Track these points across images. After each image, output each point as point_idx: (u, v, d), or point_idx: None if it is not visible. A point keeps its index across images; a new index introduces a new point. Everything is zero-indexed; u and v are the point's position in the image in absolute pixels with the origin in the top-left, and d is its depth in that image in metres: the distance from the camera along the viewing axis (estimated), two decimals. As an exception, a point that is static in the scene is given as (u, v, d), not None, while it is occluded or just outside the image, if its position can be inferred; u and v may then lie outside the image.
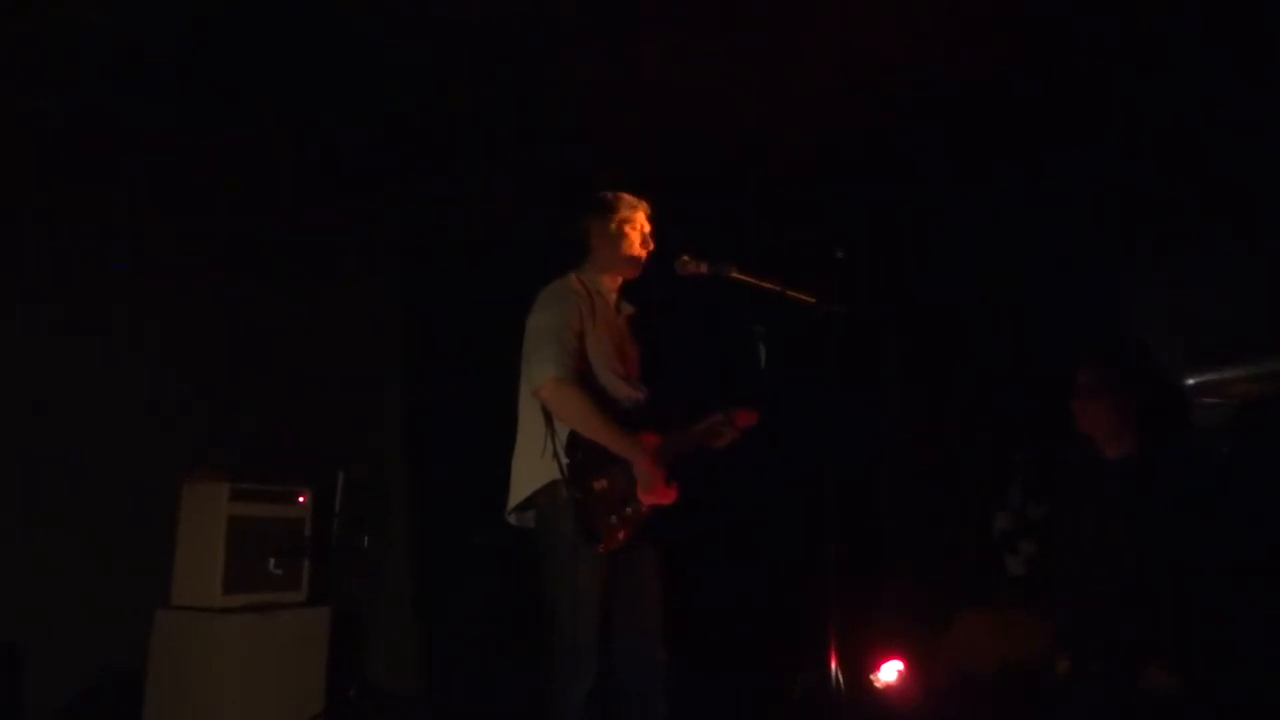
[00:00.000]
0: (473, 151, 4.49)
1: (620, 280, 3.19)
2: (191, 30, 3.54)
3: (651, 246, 3.16)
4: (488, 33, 3.62)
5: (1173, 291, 4.71)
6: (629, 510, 2.87)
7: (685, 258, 3.03)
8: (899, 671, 4.44)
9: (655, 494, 2.90)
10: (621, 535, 2.84)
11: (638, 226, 3.13)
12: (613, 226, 3.11)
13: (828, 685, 2.86)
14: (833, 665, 2.86)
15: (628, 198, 3.16)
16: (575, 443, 2.82)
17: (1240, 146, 4.17)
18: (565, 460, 2.79)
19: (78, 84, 3.81)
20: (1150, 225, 4.73)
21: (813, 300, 2.99)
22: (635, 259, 3.14)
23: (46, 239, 3.97)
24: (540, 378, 2.83)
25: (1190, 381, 4.44)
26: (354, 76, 3.90)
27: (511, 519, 3.01)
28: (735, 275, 3.01)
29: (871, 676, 4.45)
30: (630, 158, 4.22)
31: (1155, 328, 4.71)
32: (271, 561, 4.07)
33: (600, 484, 2.83)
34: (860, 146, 4.42)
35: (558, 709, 2.76)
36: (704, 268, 3.02)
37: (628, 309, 3.23)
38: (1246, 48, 3.58)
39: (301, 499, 4.26)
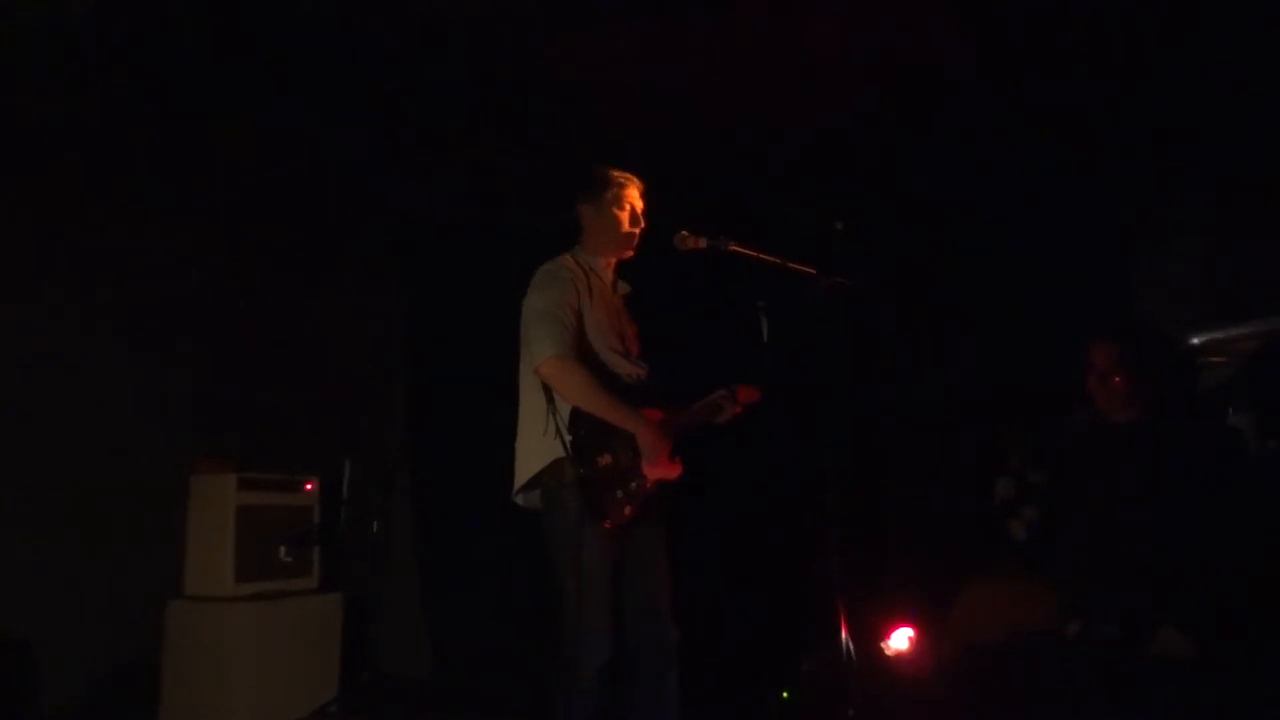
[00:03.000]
0: (471, 141, 4.46)
1: (614, 260, 3.18)
2: (185, 25, 3.51)
3: (642, 225, 3.13)
4: (482, 21, 3.59)
5: (1176, 250, 4.69)
6: (634, 485, 2.87)
7: (684, 233, 3.01)
8: (909, 639, 4.45)
9: (660, 467, 2.90)
10: (628, 511, 2.85)
11: (627, 205, 3.10)
12: (602, 207, 3.09)
13: (839, 655, 2.86)
14: (843, 634, 2.86)
15: (617, 175, 3.12)
16: (578, 420, 2.81)
17: (1241, 102, 4.13)
18: (568, 438, 2.79)
19: (75, 82, 3.80)
20: (1152, 184, 4.70)
21: (813, 272, 2.99)
22: (625, 238, 3.11)
23: (55, 236, 3.98)
24: (540, 356, 2.83)
25: (1195, 341, 4.43)
26: (351, 70, 3.88)
27: (518, 500, 3.01)
28: (734, 249, 3.00)
29: (882, 644, 4.46)
30: (627, 137, 4.21)
31: (1158, 287, 4.69)
32: (282, 549, 4.10)
33: (604, 460, 2.83)
34: (857, 115, 4.39)
35: (569, 688, 2.76)
36: (703, 243, 3.00)
37: (624, 288, 3.22)
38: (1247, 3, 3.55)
39: (309, 487, 4.27)
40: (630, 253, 3.15)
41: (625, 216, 3.09)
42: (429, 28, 3.64)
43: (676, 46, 3.84)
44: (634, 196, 3.12)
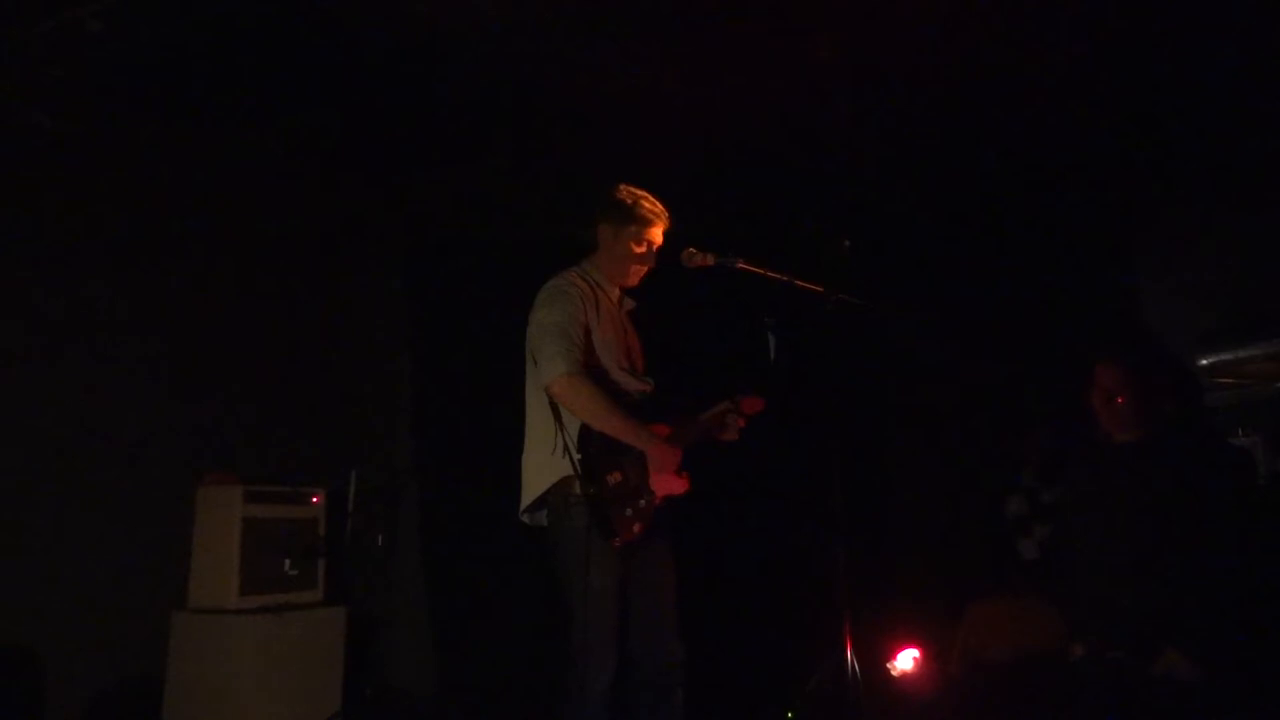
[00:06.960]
0: (478, 152, 4.48)
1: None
2: (188, 33, 3.53)
3: (653, 264, 3.12)
4: (491, 31, 3.61)
5: (1185, 272, 4.69)
6: (643, 502, 2.87)
7: (691, 250, 3.00)
8: (915, 659, 4.43)
9: (668, 483, 2.89)
10: (636, 528, 2.84)
11: (645, 243, 3.07)
12: (622, 236, 3.06)
13: (844, 675, 2.85)
14: (849, 655, 2.85)
15: (647, 208, 3.07)
16: (587, 437, 2.80)
17: (1249, 123, 4.13)
18: (577, 456, 2.78)
19: (78, 91, 3.81)
20: (1161, 205, 4.71)
21: (821, 290, 2.99)
22: (632, 274, 3.11)
23: (62, 247, 3.99)
24: (550, 373, 2.82)
25: (1204, 362, 4.42)
26: (359, 79, 3.90)
27: (525, 518, 3.01)
28: (742, 266, 3.00)
29: (888, 665, 4.44)
30: (636, 152, 4.22)
31: (1168, 309, 4.69)
32: (287, 562, 4.09)
33: (614, 477, 2.82)
34: (867, 135, 4.41)
35: (575, 705, 2.76)
36: (711, 260, 3.00)
37: (629, 303, 3.21)
38: (1250, 21, 3.56)
39: (315, 499, 4.27)
40: (631, 284, 3.15)
41: (641, 253, 3.07)
42: (438, 37, 3.65)
43: (686, 60, 3.85)
44: (656, 235, 3.09)
